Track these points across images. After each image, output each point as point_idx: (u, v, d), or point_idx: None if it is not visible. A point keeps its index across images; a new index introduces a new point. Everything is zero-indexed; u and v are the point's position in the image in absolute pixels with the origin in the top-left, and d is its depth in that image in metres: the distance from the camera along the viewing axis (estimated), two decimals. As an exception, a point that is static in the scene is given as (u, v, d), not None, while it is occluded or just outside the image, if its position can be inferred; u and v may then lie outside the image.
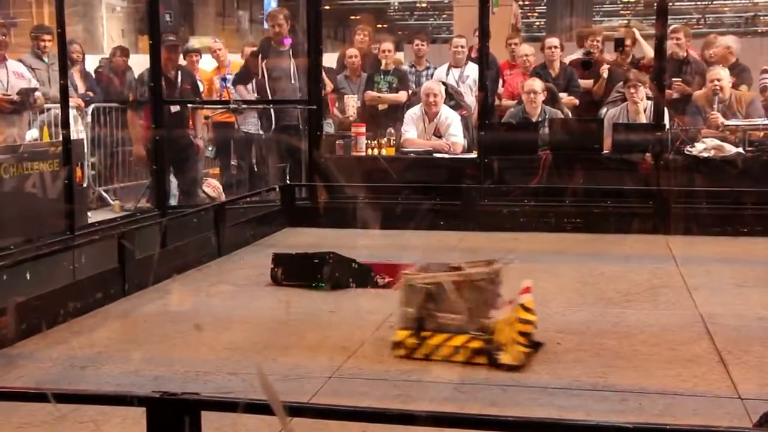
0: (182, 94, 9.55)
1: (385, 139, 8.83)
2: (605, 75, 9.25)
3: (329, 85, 9.56)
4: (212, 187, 10.09)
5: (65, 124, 7.03)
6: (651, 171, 7.84)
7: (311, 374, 3.99)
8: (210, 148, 10.67)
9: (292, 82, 9.33)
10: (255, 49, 10.06)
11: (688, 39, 10.07)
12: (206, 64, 11.28)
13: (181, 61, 9.97)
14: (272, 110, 9.52)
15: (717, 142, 8.06)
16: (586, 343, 4.44)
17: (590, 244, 7.11)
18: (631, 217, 7.54)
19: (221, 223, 6.91)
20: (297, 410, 2.58)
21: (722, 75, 8.49)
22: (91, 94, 10.51)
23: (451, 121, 8.84)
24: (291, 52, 9.37)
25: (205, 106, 10.30)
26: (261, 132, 9.82)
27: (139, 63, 10.30)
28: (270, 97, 9.42)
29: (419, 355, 4.20)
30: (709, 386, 3.80)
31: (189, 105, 9.54)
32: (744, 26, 32.64)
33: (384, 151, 8.72)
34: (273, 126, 9.49)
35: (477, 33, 9.12)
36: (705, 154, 7.96)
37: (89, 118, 10.09)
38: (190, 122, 9.90)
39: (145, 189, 9.63)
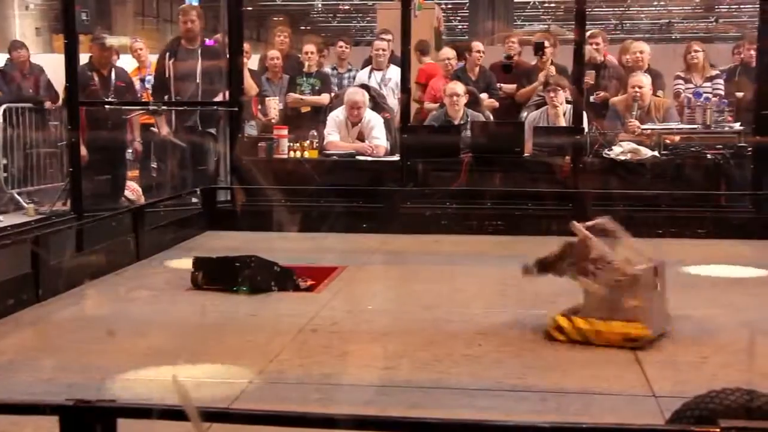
0: (117, 94, 9.40)
1: (308, 141, 8.79)
2: (541, 79, 9.32)
3: (254, 88, 9.49)
4: (131, 190, 9.95)
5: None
6: (570, 174, 7.96)
7: (231, 379, 3.95)
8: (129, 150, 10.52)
9: (197, 82, 9.18)
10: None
11: (605, 44, 10.28)
12: (126, 64, 11.10)
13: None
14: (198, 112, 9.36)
15: (633, 145, 8.23)
16: (507, 345, 4.48)
17: (511, 246, 7.17)
18: (551, 219, 7.61)
19: (140, 226, 6.80)
20: (215, 416, 2.55)
21: (644, 82, 8.68)
22: (-1, 93, 10.28)
23: (374, 124, 8.86)
24: (200, 52, 9.22)
25: (124, 107, 10.12)
26: (183, 134, 9.67)
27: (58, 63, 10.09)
28: (173, 99, 9.25)
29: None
30: (625, 385, 3.87)
31: (107, 107, 9.37)
32: (658, 33, 33.45)
33: (306, 154, 8.69)
34: (197, 128, 9.34)
35: (384, 34, 9.19)
36: (622, 158, 8.13)
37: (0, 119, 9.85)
38: (129, 125, 9.80)
39: (61, 192, 9.43)
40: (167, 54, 9.38)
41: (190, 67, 9.18)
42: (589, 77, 9.04)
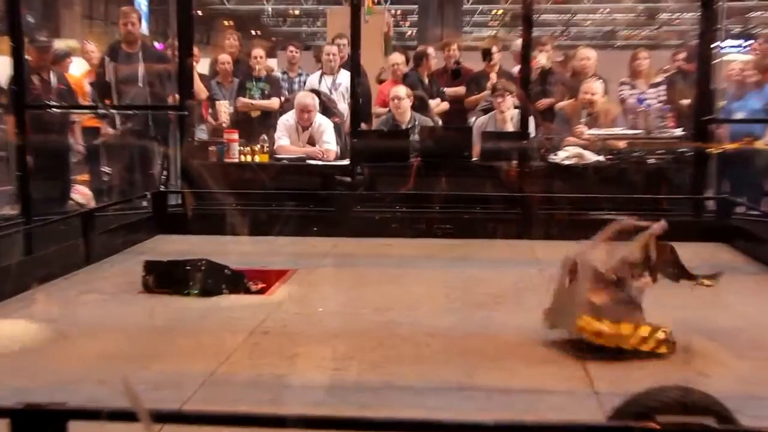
0: (59, 97, 9.29)
1: (258, 145, 8.79)
2: (489, 85, 9.42)
3: (204, 92, 9.46)
4: (81, 194, 9.86)
5: None
6: (517, 178, 8.04)
7: (183, 381, 3.95)
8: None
9: (141, 85, 9.12)
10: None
11: (552, 50, 10.43)
12: (75, 67, 11.01)
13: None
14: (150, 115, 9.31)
15: (578, 150, 8.36)
16: (454, 345, 4.54)
17: (459, 249, 7.24)
18: (498, 222, 7.71)
19: (90, 230, 6.75)
20: (167, 417, 2.57)
21: (597, 88, 8.78)
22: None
23: (324, 128, 8.89)
24: (141, 55, 9.17)
25: (72, 110, 10.03)
26: (131, 137, 9.60)
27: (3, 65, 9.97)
28: (117, 102, 9.18)
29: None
30: (568, 383, 3.94)
31: (57, 110, 9.28)
32: (603, 40, 33.88)
33: (257, 158, 8.69)
34: (146, 132, 9.29)
35: (337, 39, 9.22)
36: (567, 162, 8.24)
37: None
38: (71, 129, 9.67)
39: (9, 196, 9.31)
40: (108, 57, 9.33)
41: (132, 70, 9.12)
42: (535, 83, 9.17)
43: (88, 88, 10.30)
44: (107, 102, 9.08)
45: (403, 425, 2.63)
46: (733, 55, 11.32)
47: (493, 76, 9.58)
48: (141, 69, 9.12)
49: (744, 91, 9.48)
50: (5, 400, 3.07)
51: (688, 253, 7.09)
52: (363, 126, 8.80)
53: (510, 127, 8.69)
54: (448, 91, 9.92)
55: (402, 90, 8.97)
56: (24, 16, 7.93)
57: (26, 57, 8.83)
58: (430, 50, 10.23)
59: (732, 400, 2.63)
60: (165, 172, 9.38)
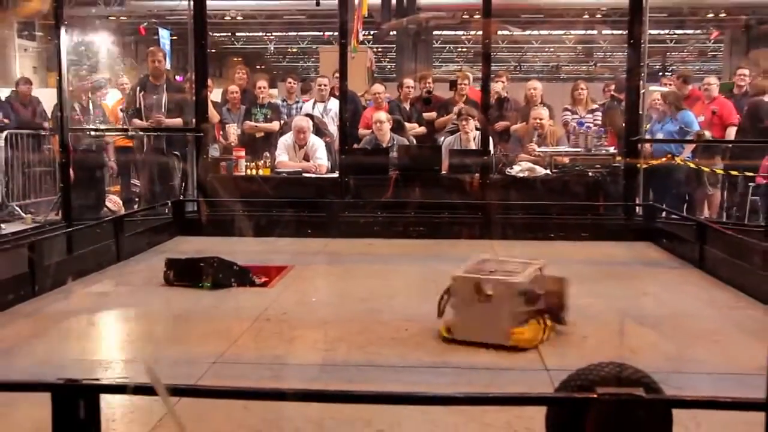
0: (95, 122, 9.25)
1: (262, 161, 8.75)
2: (455, 110, 9.41)
3: (216, 116, 9.41)
4: (113, 203, 9.80)
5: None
6: (479, 188, 8.03)
7: (198, 361, 3.90)
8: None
9: (163, 111, 9.05)
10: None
11: (507, 82, 10.45)
12: (109, 96, 11.00)
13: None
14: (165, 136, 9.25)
15: (530, 165, 8.36)
16: (427, 330, 4.49)
17: (431, 248, 7.21)
18: (463, 225, 7.70)
19: (120, 233, 6.69)
20: (183, 392, 2.53)
21: (543, 114, 8.85)
22: (6, 121, 10.04)
23: (317, 147, 8.86)
24: (165, 87, 9.12)
25: (106, 132, 9.95)
26: (156, 155, 9.52)
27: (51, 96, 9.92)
28: (145, 125, 9.11)
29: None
30: (524, 361, 3.92)
31: (94, 132, 9.22)
32: (549, 73, 34.05)
33: (261, 172, 8.65)
34: (168, 150, 9.22)
35: (336, 74, 9.17)
36: (521, 175, 8.24)
37: (2, 142, 9.62)
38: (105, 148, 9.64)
39: (54, 204, 9.23)
40: (138, 88, 9.29)
41: (157, 99, 9.08)
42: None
43: (120, 114, 10.24)
44: (135, 125, 9.00)
45: (383, 398, 2.60)
46: (654, 86, 11.36)
47: (459, 103, 9.56)
48: (164, 98, 9.07)
49: (663, 117, 9.53)
50: (47, 376, 3.02)
51: (622, 250, 7.15)
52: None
53: (473, 146, 8.69)
54: (425, 115, 9.90)
55: (383, 115, 8.97)
56: (67, 54, 7.84)
57: (69, 88, 8.78)
58: (410, 82, 10.22)
59: (658, 374, 2.60)
60: (183, 184, 9.31)
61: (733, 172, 9.45)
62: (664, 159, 9.09)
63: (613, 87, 10.71)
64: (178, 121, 8.94)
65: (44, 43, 20.13)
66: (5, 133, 9.67)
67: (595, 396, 2.31)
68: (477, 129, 8.73)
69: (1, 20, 18.70)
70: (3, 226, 8.27)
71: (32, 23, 20.24)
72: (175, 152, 9.00)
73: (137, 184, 9.91)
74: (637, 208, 8.08)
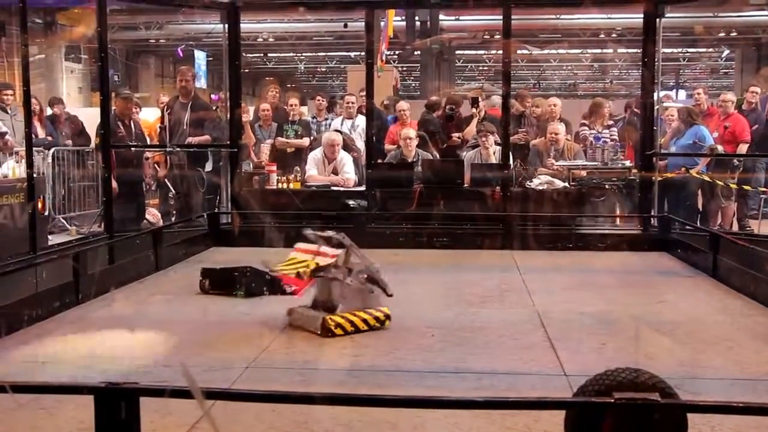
0: (138, 140, 9.30)
1: (292, 175, 8.79)
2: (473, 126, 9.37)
3: (251, 136, 9.46)
4: (152, 215, 9.88)
5: (29, 164, 6.77)
6: (500, 200, 8.00)
7: (232, 365, 3.92)
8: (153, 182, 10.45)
9: (185, 128, 9.07)
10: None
11: (527, 98, 10.41)
12: (150, 114, 11.12)
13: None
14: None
15: (549, 178, 8.32)
16: (450, 336, 4.49)
17: (453, 258, 7.20)
18: (484, 236, 7.67)
19: (158, 244, 6.74)
20: (217, 395, 2.54)
21: (559, 129, 8.82)
22: (50, 138, 10.18)
23: (345, 161, 8.87)
24: (190, 106, 9.12)
25: (146, 149, 10.05)
26: (191, 170, 9.56)
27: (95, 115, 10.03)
28: (168, 141, 9.14)
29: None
30: (542, 367, 3.89)
31: (134, 149, 9.28)
32: (567, 90, 33.91)
33: (291, 185, 8.68)
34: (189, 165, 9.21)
35: (362, 92, 9.19)
36: (540, 188, 8.20)
37: (49, 159, 9.76)
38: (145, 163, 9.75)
39: (97, 216, 9.32)
40: (167, 107, 9.35)
41: (181, 117, 9.05)
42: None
43: (158, 131, 10.32)
44: (172, 142, 9.04)
45: (409, 402, 2.60)
46: (668, 102, 11.26)
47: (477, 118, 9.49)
48: (188, 115, 9.02)
49: (677, 132, 9.45)
50: (93, 379, 3.06)
51: (638, 259, 7.09)
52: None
53: (493, 160, 8.65)
54: (454, 133, 9.85)
55: (411, 131, 8.97)
56: (111, 76, 7.94)
57: (112, 107, 8.88)
58: (441, 100, 10.21)
59: (673, 380, 2.58)
60: (218, 197, 9.36)
61: (746, 187, 9.34)
62: (678, 172, 8.99)
63: (631, 102, 10.65)
64: (205, 138, 8.97)
65: (89, 65, 20.43)
66: (52, 150, 9.80)
67: (612, 400, 2.29)
68: (496, 144, 8.71)
69: (50, 44, 19.01)
70: (50, 237, 8.36)
71: (78, 47, 20.54)
72: (199, 167, 9.01)
73: (174, 197, 9.97)
74: (652, 219, 8.01)
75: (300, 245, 4.85)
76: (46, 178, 9.45)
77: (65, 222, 9.91)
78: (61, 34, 19.01)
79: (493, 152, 8.70)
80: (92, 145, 10.25)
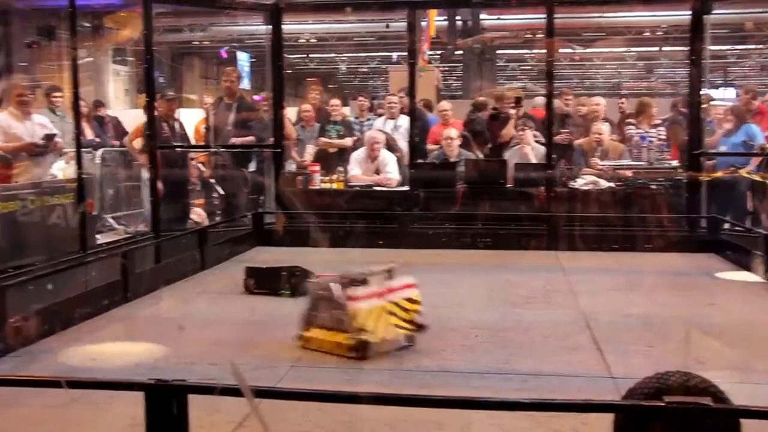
0: (181, 140, 9.41)
1: (335, 175, 8.81)
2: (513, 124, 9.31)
3: (293, 134, 9.51)
4: (197, 215, 9.99)
5: (79, 165, 6.91)
6: (544, 200, 7.93)
7: (277, 364, 3.95)
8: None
9: (230, 128, 9.12)
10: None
11: (570, 98, 10.29)
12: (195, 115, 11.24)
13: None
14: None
15: (594, 178, 8.21)
16: (495, 337, 4.48)
17: (497, 258, 7.16)
18: (529, 236, 7.62)
19: (204, 243, 6.83)
20: (265, 393, 2.57)
21: (603, 129, 8.71)
22: (97, 139, 10.37)
23: (388, 161, 8.86)
24: (235, 107, 9.19)
25: (191, 149, 10.16)
26: (235, 171, 9.64)
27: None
28: (213, 142, 9.19)
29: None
30: (589, 369, 3.86)
31: (180, 149, 9.39)
32: (611, 89, 33.46)
33: (335, 186, 8.71)
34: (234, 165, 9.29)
35: (401, 92, 9.17)
36: (585, 188, 8.11)
37: (98, 160, 9.94)
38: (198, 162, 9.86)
39: (143, 216, 9.47)
40: (212, 107, 9.43)
41: (226, 117, 9.11)
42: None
43: (203, 132, 10.41)
44: (216, 143, 9.12)
45: (454, 403, 2.58)
46: (717, 101, 11.04)
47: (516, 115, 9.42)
48: (233, 116, 9.10)
49: (727, 130, 9.25)
50: (143, 376, 3.11)
51: (685, 261, 6.97)
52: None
53: (531, 158, 8.57)
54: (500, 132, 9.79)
55: (453, 132, 8.93)
56: (156, 78, 8.03)
57: (158, 109, 9.01)
58: (488, 100, 10.15)
59: (725, 384, 2.52)
60: (262, 197, 9.43)
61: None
62: (727, 171, 8.80)
63: (678, 100, 10.46)
64: (250, 139, 9.05)
65: (135, 68, 20.77)
66: (101, 150, 9.98)
67: (664, 404, 2.25)
68: (537, 142, 8.64)
69: (97, 47, 19.36)
70: (97, 237, 8.52)
71: (124, 50, 20.90)
72: (242, 167, 9.09)
73: (218, 197, 10.07)
74: (700, 220, 7.87)
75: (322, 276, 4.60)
76: (95, 179, 9.62)
77: (113, 222, 10.07)
78: (108, 37, 19.33)
79: (530, 150, 8.62)
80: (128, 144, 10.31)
